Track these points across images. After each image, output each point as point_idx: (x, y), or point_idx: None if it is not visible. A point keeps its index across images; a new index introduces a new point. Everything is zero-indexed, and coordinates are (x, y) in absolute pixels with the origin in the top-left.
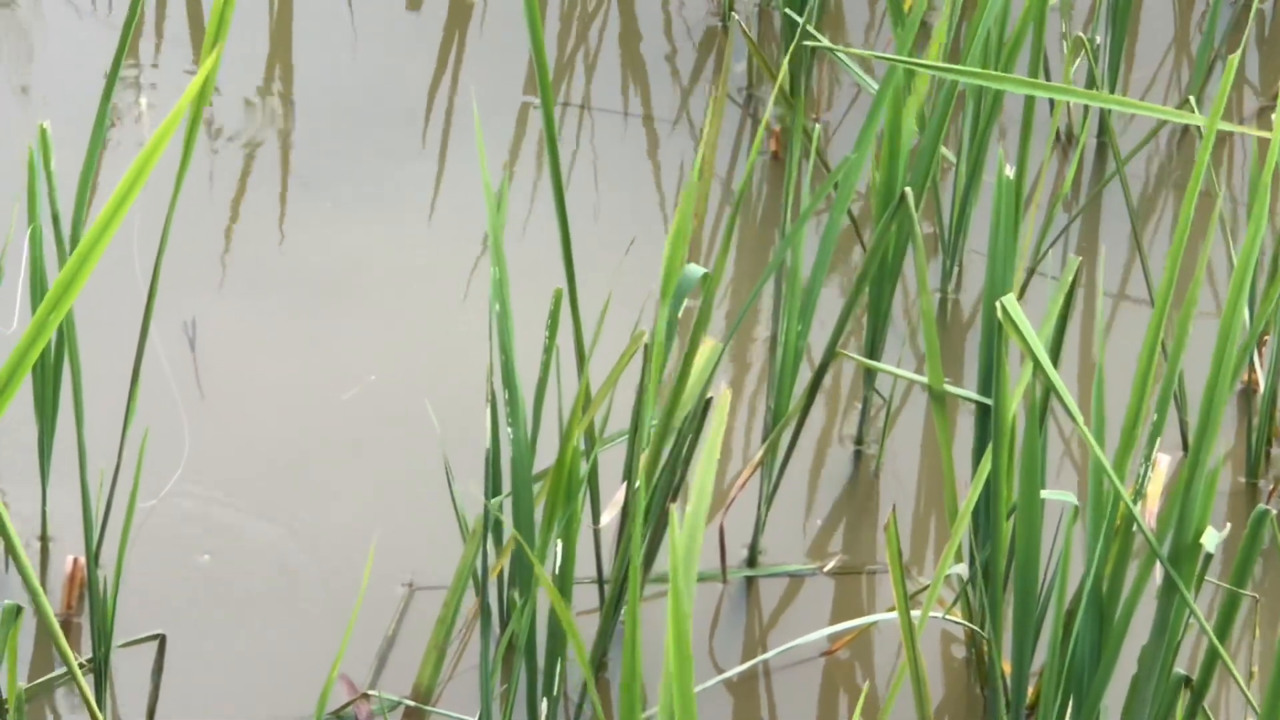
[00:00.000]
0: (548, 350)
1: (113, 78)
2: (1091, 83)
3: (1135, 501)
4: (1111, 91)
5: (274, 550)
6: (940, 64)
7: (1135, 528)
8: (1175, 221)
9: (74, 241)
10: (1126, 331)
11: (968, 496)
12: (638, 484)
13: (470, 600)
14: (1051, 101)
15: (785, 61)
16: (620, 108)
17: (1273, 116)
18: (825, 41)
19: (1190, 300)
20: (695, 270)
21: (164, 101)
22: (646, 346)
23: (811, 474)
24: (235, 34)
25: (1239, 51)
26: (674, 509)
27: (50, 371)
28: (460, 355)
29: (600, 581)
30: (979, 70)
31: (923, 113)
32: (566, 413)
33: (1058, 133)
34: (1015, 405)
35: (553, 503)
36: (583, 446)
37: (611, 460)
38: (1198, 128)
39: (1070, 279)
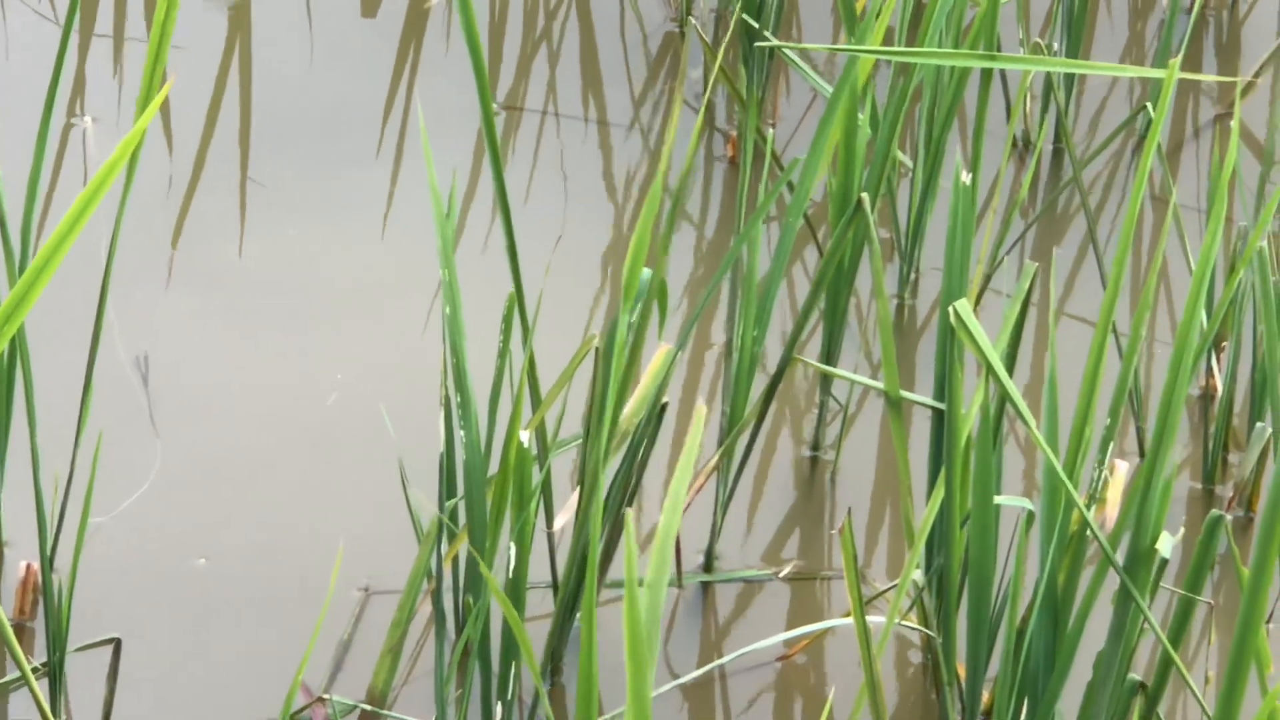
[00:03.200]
0: (502, 354)
1: (53, 89)
2: (1048, 88)
3: (1089, 507)
4: (1067, 98)
5: (233, 556)
6: (893, 49)
7: (1090, 533)
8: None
9: (22, 252)
10: (1083, 337)
11: (925, 509)
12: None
13: (426, 604)
14: (1008, 107)
15: (741, 66)
16: (580, 114)
17: (1230, 123)
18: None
19: (1143, 304)
20: (645, 273)
21: (118, 111)
22: (598, 350)
23: (768, 480)
24: (193, 41)
25: (1179, 55)
26: (629, 513)
27: (3, 376)
28: (422, 361)
29: (555, 585)
30: (935, 50)
31: (875, 115)
32: (525, 416)
33: (1014, 139)
34: (970, 412)
35: (498, 504)
36: (535, 451)
37: (566, 464)
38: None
39: (1026, 285)
